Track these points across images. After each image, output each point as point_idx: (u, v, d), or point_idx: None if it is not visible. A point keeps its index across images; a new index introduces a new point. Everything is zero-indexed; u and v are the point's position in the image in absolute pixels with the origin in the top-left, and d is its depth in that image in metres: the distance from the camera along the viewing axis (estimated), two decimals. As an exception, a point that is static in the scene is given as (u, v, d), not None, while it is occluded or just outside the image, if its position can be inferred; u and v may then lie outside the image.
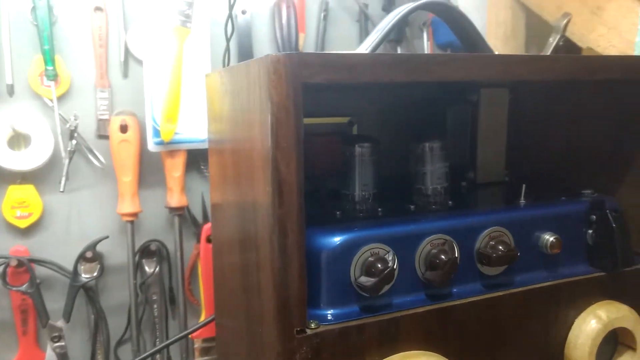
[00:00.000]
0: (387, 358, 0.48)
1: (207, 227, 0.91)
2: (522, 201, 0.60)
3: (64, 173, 0.80)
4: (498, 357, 0.54)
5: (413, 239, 0.51)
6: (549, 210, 0.58)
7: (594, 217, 0.59)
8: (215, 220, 0.71)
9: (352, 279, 0.49)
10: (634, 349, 0.59)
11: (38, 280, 0.81)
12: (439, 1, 0.61)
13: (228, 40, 0.84)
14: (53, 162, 0.83)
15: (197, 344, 0.92)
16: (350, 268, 0.49)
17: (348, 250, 0.49)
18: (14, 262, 0.80)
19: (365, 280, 0.48)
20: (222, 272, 0.68)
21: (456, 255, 0.51)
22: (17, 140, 0.81)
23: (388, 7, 1.01)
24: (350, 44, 1.02)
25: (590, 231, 0.60)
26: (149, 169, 0.88)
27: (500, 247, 0.53)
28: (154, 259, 0.90)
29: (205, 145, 0.88)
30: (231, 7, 0.82)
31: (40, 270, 0.83)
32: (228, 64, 0.86)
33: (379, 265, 0.48)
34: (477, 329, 0.53)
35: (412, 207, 0.59)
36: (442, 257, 0.50)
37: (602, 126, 0.68)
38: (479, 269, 0.54)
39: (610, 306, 0.58)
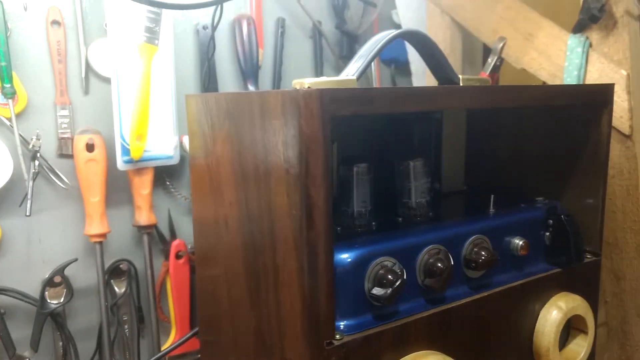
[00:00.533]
0: (401, 359, 0.53)
1: (175, 243, 0.90)
2: (492, 210, 0.68)
3: (29, 196, 0.76)
4: (487, 349, 0.61)
5: (414, 250, 0.57)
6: (516, 217, 0.67)
7: (551, 221, 0.68)
8: (200, 234, 0.72)
9: (366, 291, 0.53)
10: (585, 332, 0.70)
11: (2, 310, 0.77)
12: (415, 31, 0.67)
13: (209, 59, 0.85)
14: (11, 185, 0.78)
15: (169, 362, 0.91)
16: (364, 281, 0.53)
17: (361, 265, 0.53)
18: (-28, 294, 0.75)
19: (379, 291, 0.53)
20: (210, 287, 0.70)
21: (451, 262, 0.57)
22: (-27, 163, 0.76)
23: (340, 25, 1.07)
24: (305, 60, 1.06)
25: (547, 233, 0.69)
26: (113, 188, 0.86)
27: (483, 253, 0.60)
28: (123, 279, 0.88)
29: (173, 162, 0.88)
30: (214, 28, 0.83)
31: (1, 300, 0.78)
32: (208, 83, 0.86)
33: (390, 277, 0.53)
34: (469, 326, 0.59)
35: (399, 219, 0.65)
36: (439, 265, 0.56)
37: (544, 140, 0.78)
38: (465, 273, 0.61)
39: (567, 297, 0.67)
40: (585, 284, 0.70)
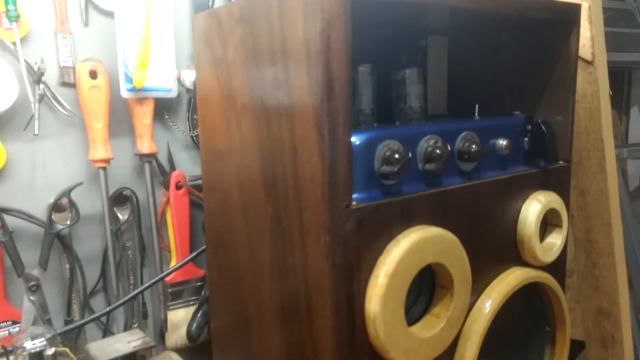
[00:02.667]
0: (407, 230, 0.59)
1: (175, 174, 0.94)
2: (477, 117, 0.75)
3: (36, 116, 0.78)
4: (479, 232, 0.68)
5: (415, 137, 0.63)
6: (499, 121, 0.74)
7: (529, 126, 0.76)
8: (209, 153, 0.75)
9: (376, 169, 0.59)
10: (560, 226, 0.78)
11: (11, 230, 0.78)
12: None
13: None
14: (16, 109, 0.80)
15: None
16: (374, 161, 0.59)
17: (371, 146, 0.59)
18: (-20, 213, 0.76)
19: (388, 168, 0.59)
20: (220, 196, 0.74)
21: (448, 148, 0.64)
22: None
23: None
24: None
25: (526, 139, 0.77)
26: (115, 118, 0.88)
27: (474, 146, 0.67)
28: (126, 206, 0.90)
29: (172, 95, 0.92)
30: None
31: (10, 221, 0.80)
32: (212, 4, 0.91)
33: (397, 156, 0.59)
34: (464, 209, 0.66)
35: (397, 123, 0.71)
36: (438, 151, 0.63)
37: (517, 63, 0.85)
38: (458, 166, 0.68)
39: (545, 193, 0.75)
40: (559, 184, 0.78)
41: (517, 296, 0.75)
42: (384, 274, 0.56)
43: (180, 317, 0.95)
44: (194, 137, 0.97)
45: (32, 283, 0.79)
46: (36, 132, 0.78)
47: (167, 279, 0.94)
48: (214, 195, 0.75)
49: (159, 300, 0.95)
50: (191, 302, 0.97)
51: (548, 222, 0.79)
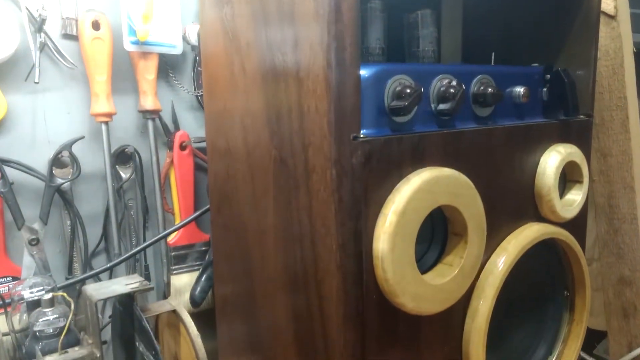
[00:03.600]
0: (419, 172, 0.56)
1: (179, 134, 0.91)
2: (493, 64, 0.72)
3: (37, 65, 0.76)
4: (495, 180, 0.65)
5: (428, 75, 0.59)
6: (516, 70, 0.71)
7: (549, 76, 0.72)
8: (213, 113, 0.73)
9: (386, 103, 0.56)
10: (581, 182, 0.74)
11: (11, 181, 0.76)
12: None
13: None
14: (17, 59, 0.78)
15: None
16: (384, 97, 0.56)
17: (381, 80, 0.55)
18: (-21, 163, 0.74)
19: (398, 103, 0.55)
20: (224, 145, 0.71)
21: (463, 87, 0.60)
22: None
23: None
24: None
25: (545, 89, 0.73)
26: (118, 74, 0.86)
27: (490, 89, 0.64)
28: (129, 165, 0.88)
29: (177, 52, 0.89)
30: None
31: (10, 173, 0.78)
32: None
33: (408, 90, 0.55)
34: (478, 153, 0.63)
35: (409, 67, 0.68)
36: (452, 90, 0.59)
37: (536, 13, 0.81)
38: (473, 110, 0.64)
39: (565, 145, 0.71)
40: (580, 137, 0.74)
41: (535, 257, 0.72)
42: (393, 211, 0.53)
43: (183, 282, 0.93)
44: (199, 97, 0.94)
45: (33, 237, 0.77)
46: (37, 80, 0.76)
47: (171, 242, 0.92)
48: (218, 153, 0.72)
49: (162, 264, 0.92)
50: (195, 267, 0.94)
51: (568, 177, 0.75)
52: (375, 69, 0.55)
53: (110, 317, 0.76)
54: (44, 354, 0.59)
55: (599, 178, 0.91)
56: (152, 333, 0.57)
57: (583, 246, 0.78)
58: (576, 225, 0.76)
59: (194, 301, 0.89)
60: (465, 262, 0.60)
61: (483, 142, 0.63)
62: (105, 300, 0.64)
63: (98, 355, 0.57)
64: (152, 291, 0.92)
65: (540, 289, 0.79)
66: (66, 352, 0.57)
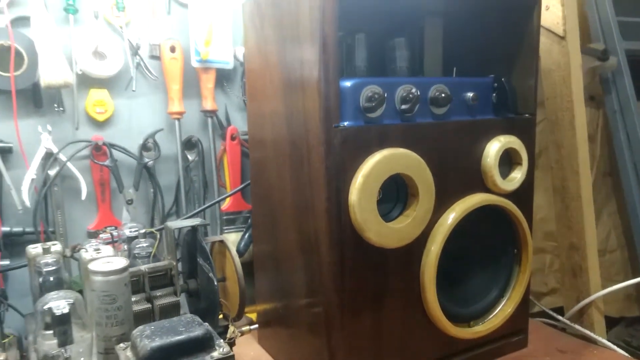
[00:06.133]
0: (382, 150, 0.83)
1: (230, 128, 1.23)
2: (454, 76, 0.98)
3: (134, 78, 1.10)
4: (446, 157, 0.90)
5: (394, 85, 0.87)
6: (469, 80, 0.96)
7: (496, 84, 0.98)
8: (253, 113, 1.03)
9: (361, 104, 0.84)
10: (520, 164, 0.98)
11: (116, 159, 1.10)
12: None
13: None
14: (121, 75, 1.12)
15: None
16: (359, 99, 0.84)
17: (358, 88, 0.83)
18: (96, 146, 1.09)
19: (368, 104, 0.83)
20: (261, 145, 1.01)
21: (418, 94, 0.87)
22: (97, 54, 1.09)
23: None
24: None
25: (494, 94, 0.98)
26: (187, 84, 1.18)
27: (443, 94, 0.90)
28: (194, 150, 1.21)
29: (229, 67, 1.21)
30: None
31: (114, 153, 1.12)
32: None
33: (376, 95, 0.83)
34: (431, 140, 0.89)
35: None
36: (410, 95, 0.87)
37: (497, 38, 1.06)
38: (431, 110, 0.91)
39: (506, 136, 0.96)
40: (521, 130, 0.98)
41: (489, 222, 0.97)
42: (362, 175, 0.80)
43: (232, 239, 1.24)
44: (245, 101, 1.26)
45: (129, 198, 1.10)
46: (133, 89, 1.09)
47: (223, 208, 1.23)
48: (256, 143, 1.03)
49: (217, 225, 1.24)
50: (241, 228, 1.25)
51: (513, 161, 1.00)
52: (354, 82, 0.83)
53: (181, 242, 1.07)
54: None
55: (556, 165, 1.14)
56: (208, 252, 0.88)
57: (528, 214, 1.02)
58: (520, 197, 1.00)
59: (239, 251, 1.20)
60: (417, 214, 0.87)
61: (435, 131, 0.90)
62: (179, 229, 0.94)
63: (174, 264, 0.88)
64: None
65: (495, 247, 1.03)
66: (154, 265, 0.89)
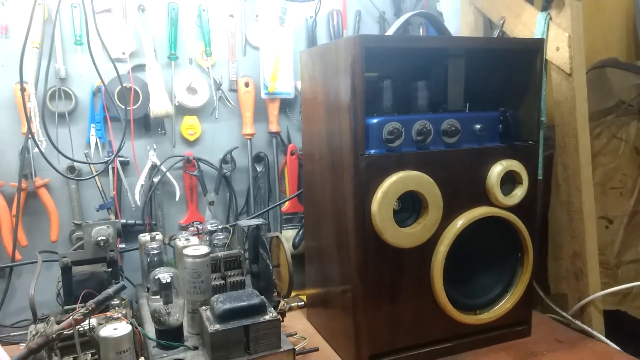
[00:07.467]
0: (398, 172, 1.08)
1: (290, 145, 1.52)
2: (466, 110, 1.20)
3: (217, 108, 1.42)
4: (454, 178, 1.13)
5: (411, 122, 1.11)
6: (477, 114, 1.18)
7: (501, 117, 1.19)
8: (306, 133, 1.31)
9: (383, 137, 1.09)
10: (521, 183, 1.19)
11: (201, 170, 1.43)
12: (426, 12, 1.21)
13: (313, 35, 1.46)
14: (207, 105, 1.44)
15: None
16: (382, 133, 1.09)
17: (381, 125, 1.08)
18: (188, 160, 1.42)
19: (389, 136, 1.08)
20: (311, 159, 1.29)
21: (432, 128, 1.10)
22: (190, 89, 1.42)
23: (398, 13, 1.62)
24: (375, 36, 1.62)
25: (500, 125, 1.19)
26: (257, 111, 1.49)
27: (453, 127, 1.13)
28: (262, 163, 1.51)
29: (290, 96, 1.50)
30: (316, 16, 1.44)
31: (201, 166, 1.44)
32: (315, 42, 1.47)
33: (396, 130, 1.08)
34: (442, 164, 1.12)
35: (410, 114, 1.20)
36: (424, 129, 1.10)
37: (509, 77, 1.26)
38: (443, 140, 1.14)
39: (508, 160, 1.17)
40: (523, 156, 1.19)
41: (497, 231, 1.18)
42: (381, 191, 1.06)
43: (290, 235, 1.53)
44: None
45: (210, 200, 1.43)
46: (216, 116, 1.41)
47: (283, 209, 1.53)
48: (308, 158, 1.31)
49: (278, 223, 1.54)
50: (297, 226, 1.54)
51: (516, 180, 1.20)
52: (378, 119, 1.09)
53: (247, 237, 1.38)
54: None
55: (563, 183, 1.32)
56: (267, 244, 1.18)
57: (530, 225, 1.21)
58: (523, 211, 1.20)
59: (294, 245, 1.49)
60: (427, 222, 1.10)
61: (445, 157, 1.13)
62: (248, 227, 1.24)
63: (242, 253, 1.19)
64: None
65: (502, 251, 1.24)
66: (228, 252, 1.19)
